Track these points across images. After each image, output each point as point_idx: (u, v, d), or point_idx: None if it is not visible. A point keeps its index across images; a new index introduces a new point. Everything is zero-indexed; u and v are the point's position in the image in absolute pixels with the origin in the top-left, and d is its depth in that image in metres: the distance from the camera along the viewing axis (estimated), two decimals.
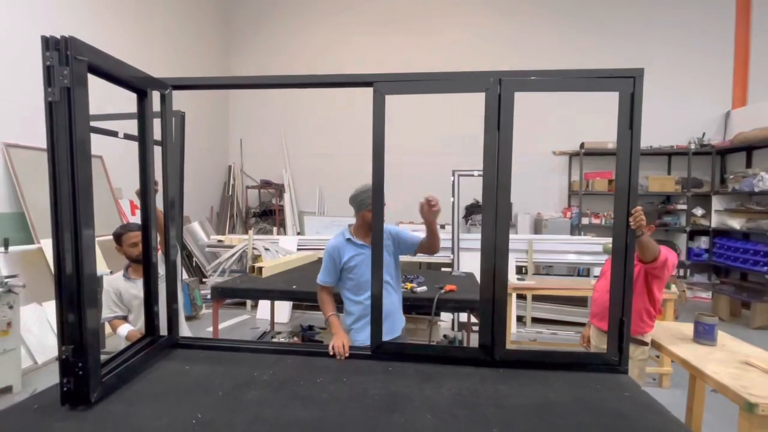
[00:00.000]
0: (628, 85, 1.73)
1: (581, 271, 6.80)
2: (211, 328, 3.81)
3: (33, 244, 4.40)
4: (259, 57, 8.68)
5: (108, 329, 2.57)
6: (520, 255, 5.77)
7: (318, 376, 1.70)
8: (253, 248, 6.09)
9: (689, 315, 3.24)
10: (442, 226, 6.78)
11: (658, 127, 7.13)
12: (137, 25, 6.25)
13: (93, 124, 1.62)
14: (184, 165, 2.76)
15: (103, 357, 1.58)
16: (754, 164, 6.69)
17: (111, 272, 3.77)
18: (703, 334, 2.38)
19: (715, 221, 6.93)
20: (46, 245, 4.39)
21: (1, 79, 4.34)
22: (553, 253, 5.92)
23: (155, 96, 1.86)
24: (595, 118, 6.68)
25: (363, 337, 2.18)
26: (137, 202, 1.92)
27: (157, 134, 1.86)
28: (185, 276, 6.20)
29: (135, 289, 2.49)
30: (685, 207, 7.05)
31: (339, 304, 2.39)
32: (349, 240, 2.30)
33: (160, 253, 2.10)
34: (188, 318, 5.16)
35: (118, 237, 2.53)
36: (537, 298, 5.41)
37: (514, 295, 4.72)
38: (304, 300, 4.86)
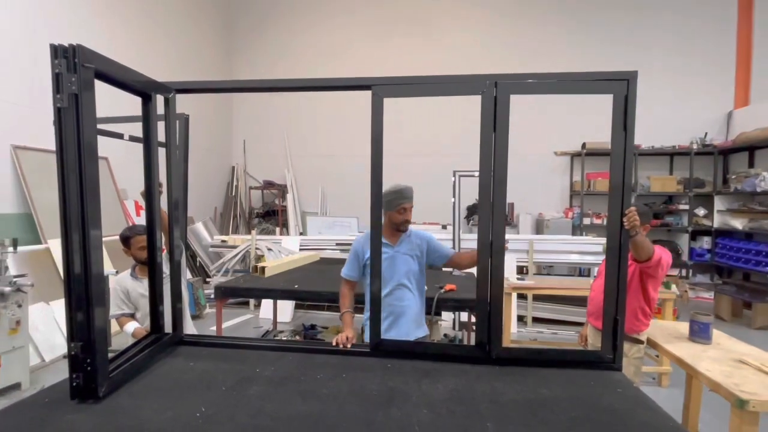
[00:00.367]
0: (622, 88, 1.76)
1: (583, 271, 6.82)
2: (214, 327, 3.86)
3: (40, 244, 4.47)
4: (261, 59, 8.75)
5: (115, 326, 2.63)
6: (521, 255, 5.79)
7: (318, 372, 1.75)
8: (256, 248, 6.15)
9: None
10: (444, 226, 6.82)
11: (660, 127, 7.15)
12: (141, 29, 6.33)
13: (99, 126, 1.68)
14: (188, 166, 2.81)
15: (110, 354, 1.63)
16: (756, 164, 6.68)
17: (117, 272, 3.83)
18: (698, 333, 2.41)
19: (717, 221, 6.92)
20: (54, 245, 4.46)
21: (10, 82, 4.42)
22: (554, 253, 5.95)
23: (159, 99, 1.91)
24: (597, 119, 6.65)
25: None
26: (143, 203, 1.97)
27: (161, 136, 1.91)
28: (189, 276, 6.27)
29: (142, 288, 2.54)
30: (687, 207, 7.05)
31: (359, 304, 2.44)
32: None
33: (164, 253, 2.15)
34: (192, 317, 5.21)
35: (125, 239, 2.58)
36: (538, 298, 5.43)
37: (514, 295, 4.75)
38: (307, 299, 4.94)
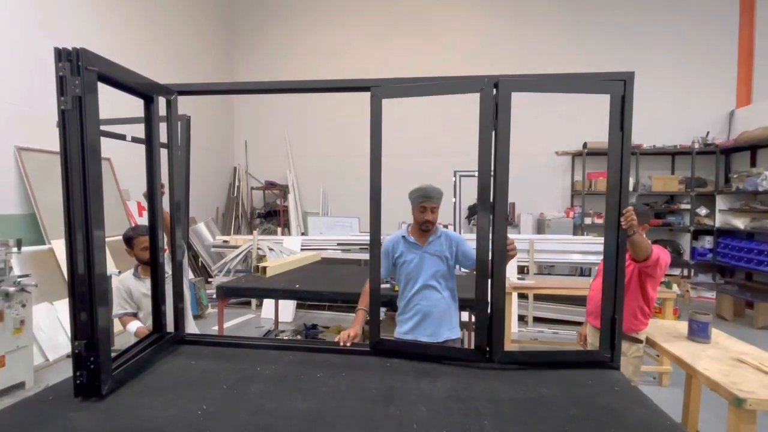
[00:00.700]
0: (618, 88, 1.77)
1: (584, 271, 6.82)
2: (216, 327, 3.88)
3: (44, 244, 4.51)
4: (262, 60, 8.78)
5: (118, 325, 2.65)
6: (522, 255, 5.79)
7: (318, 371, 1.76)
8: (258, 248, 6.18)
9: None
10: (445, 226, 6.82)
11: (662, 126, 7.13)
12: (141, 29, 6.36)
13: (102, 127, 1.70)
14: (190, 167, 2.83)
15: (113, 353, 1.65)
16: (758, 163, 6.66)
17: (120, 272, 3.86)
18: (697, 332, 2.42)
19: (719, 221, 6.91)
20: (57, 246, 4.50)
21: (12, 83, 4.45)
22: (555, 252, 5.95)
23: (161, 101, 1.94)
24: (598, 119, 6.64)
25: (403, 330, 2.36)
26: (145, 204, 1.99)
27: (163, 137, 1.93)
28: (191, 276, 6.30)
29: (144, 287, 2.56)
30: (689, 207, 7.04)
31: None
32: (404, 237, 2.41)
33: (167, 253, 2.18)
34: (194, 317, 5.24)
35: (128, 240, 2.61)
36: (539, 298, 5.44)
37: (515, 295, 4.76)
38: (308, 299, 4.96)
